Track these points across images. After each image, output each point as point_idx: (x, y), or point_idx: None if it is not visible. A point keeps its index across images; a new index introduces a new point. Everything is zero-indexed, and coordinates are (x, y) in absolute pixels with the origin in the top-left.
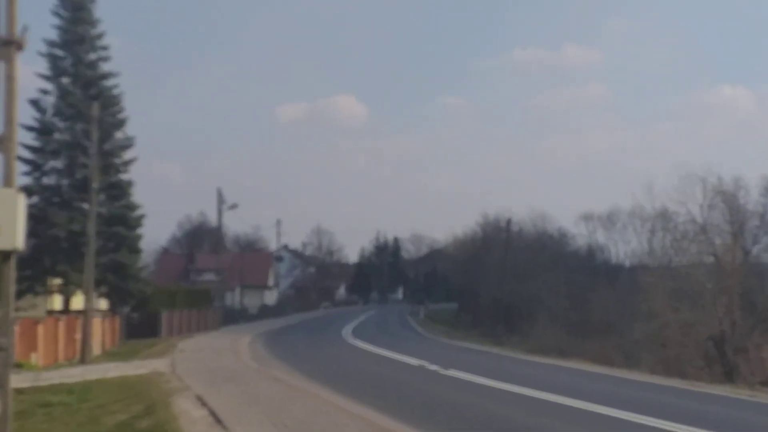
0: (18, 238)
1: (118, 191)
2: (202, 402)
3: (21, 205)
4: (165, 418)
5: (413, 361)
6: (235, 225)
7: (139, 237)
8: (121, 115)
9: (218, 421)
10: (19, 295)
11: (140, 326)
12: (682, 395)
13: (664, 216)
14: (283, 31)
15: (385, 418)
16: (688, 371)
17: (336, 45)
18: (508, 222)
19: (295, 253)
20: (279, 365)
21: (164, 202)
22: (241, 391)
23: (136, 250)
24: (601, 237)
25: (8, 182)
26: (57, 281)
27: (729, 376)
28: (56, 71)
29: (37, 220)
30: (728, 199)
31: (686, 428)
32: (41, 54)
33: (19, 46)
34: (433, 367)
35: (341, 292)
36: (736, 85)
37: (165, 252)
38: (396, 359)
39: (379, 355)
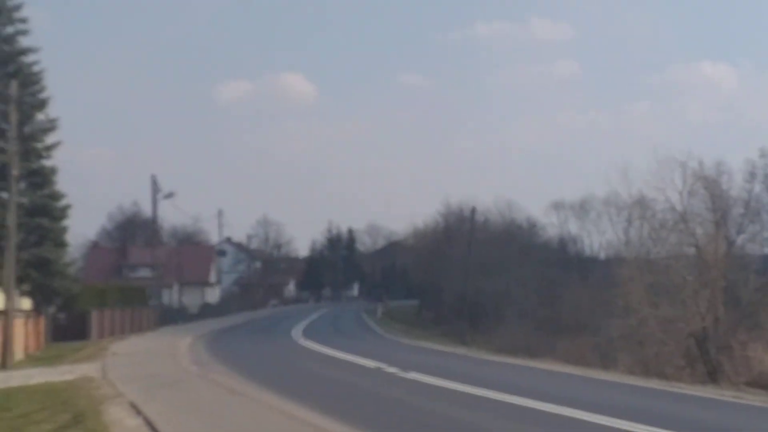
0: None
1: (41, 179)
2: (136, 410)
3: None
4: (95, 428)
5: (370, 363)
6: (172, 216)
7: (64, 229)
8: (42, 95)
9: (154, 430)
10: None
11: (68, 328)
12: (661, 397)
13: (641, 204)
14: (222, 1)
15: (338, 425)
16: (668, 371)
17: (282, 18)
18: (473, 211)
19: (239, 247)
20: (222, 369)
21: (93, 191)
22: (180, 398)
23: (61, 244)
24: (573, 227)
25: None
26: None
27: (712, 376)
28: None
29: None
30: (710, 185)
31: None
32: None
33: None
34: (392, 370)
35: (291, 288)
36: (717, 61)
37: (94, 246)
38: (351, 361)
39: (332, 357)
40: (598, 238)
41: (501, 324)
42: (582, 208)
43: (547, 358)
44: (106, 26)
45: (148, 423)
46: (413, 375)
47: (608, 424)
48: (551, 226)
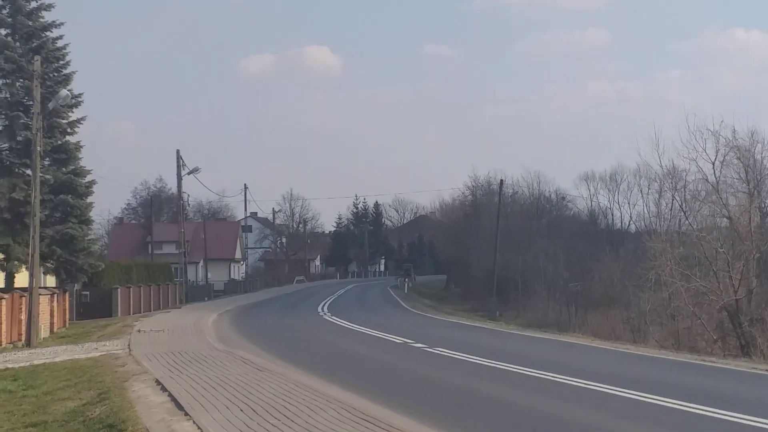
0: None
1: (65, 155)
2: (161, 387)
3: None
4: (120, 404)
5: (396, 339)
6: (198, 191)
7: (89, 206)
8: (66, 71)
9: (179, 407)
10: None
11: (92, 305)
12: (693, 371)
13: (672, 175)
14: None
15: (364, 401)
16: (700, 345)
17: None
18: (501, 184)
19: (265, 222)
20: (247, 346)
21: (118, 167)
22: (206, 375)
23: (86, 221)
24: (603, 199)
25: None
26: None
27: (744, 349)
28: None
29: None
30: (743, 155)
31: (699, 408)
32: None
33: None
34: (419, 345)
35: (317, 264)
36: (750, 28)
37: (119, 222)
38: (377, 336)
39: (358, 332)
40: (629, 211)
41: (530, 298)
42: (612, 180)
43: (577, 333)
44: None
45: (174, 399)
46: (440, 350)
47: (638, 398)
48: (581, 198)
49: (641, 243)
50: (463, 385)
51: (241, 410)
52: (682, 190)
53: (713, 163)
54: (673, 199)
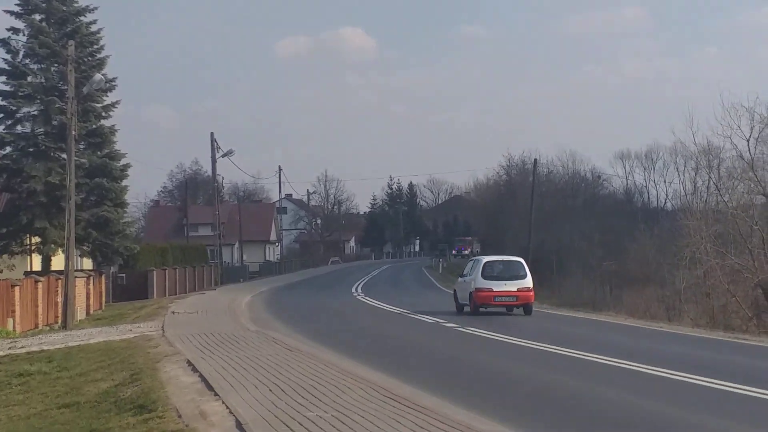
0: None
1: (100, 139)
2: (192, 368)
3: None
4: (151, 385)
5: (428, 319)
6: (233, 174)
7: (124, 189)
8: (100, 55)
9: (209, 387)
10: None
11: (128, 287)
12: (729, 349)
13: (708, 152)
14: None
15: (393, 380)
16: (735, 323)
17: None
18: (535, 163)
19: (300, 204)
20: (280, 327)
21: (153, 150)
22: (237, 356)
23: (121, 204)
24: (639, 177)
25: None
26: (35, 239)
27: None
28: (26, 7)
29: (11, 172)
30: None
31: (736, 386)
32: None
33: None
34: (450, 325)
35: (351, 245)
36: None
37: (155, 205)
38: (409, 317)
39: (391, 312)
40: (665, 189)
41: (565, 277)
42: (648, 158)
43: (612, 311)
44: None
45: (203, 380)
46: (472, 329)
47: (677, 378)
48: (616, 177)
49: (676, 221)
50: (491, 365)
51: (270, 390)
52: (717, 167)
53: (748, 140)
54: (708, 177)
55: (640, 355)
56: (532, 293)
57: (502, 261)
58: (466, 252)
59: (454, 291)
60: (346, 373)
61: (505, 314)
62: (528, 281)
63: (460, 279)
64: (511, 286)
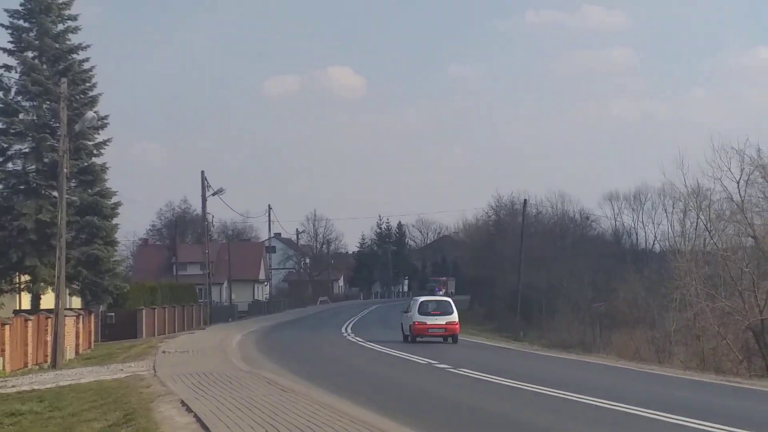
0: None
1: (91, 177)
2: (187, 408)
3: None
4: (146, 426)
5: (420, 360)
6: (222, 212)
7: (114, 227)
8: (92, 92)
9: (205, 428)
10: None
11: (118, 326)
12: (719, 392)
13: (697, 194)
14: None
15: (388, 421)
16: (725, 365)
17: (327, 12)
18: (524, 204)
19: (289, 243)
20: (272, 367)
21: (143, 188)
22: (231, 396)
23: (111, 242)
24: (628, 219)
25: None
26: (25, 277)
27: None
28: (19, 44)
29: (1, 210)
30: None
31: (727, 429)
32: (2, 26)
33: None
34: (443, 366)
35: (340, 285)
36: None
37: (144, 244)
38: (401, 357)
39: (381, 352)
40: (653, 230)
41: (555, 318)
42: (636, 200)
43: (602, 353)
44: (156, 21)
45: (199, 420)
46: (465, 371)
47: (668, 420)
48: (605, 218)
49: (666, 263)
50: (485, 406)
51: (266, 431)
52: (707, 209)
53: (738, 182)
54: (697, 219)
55: (630, 397)
56: (457, 326)
57: (435, 300)
58: (441, 292)
59: (401, 324)
60: (341, 414)
61: (495, 357)
62: (454, 316)
63: (404, 314)
64: (441, 320)
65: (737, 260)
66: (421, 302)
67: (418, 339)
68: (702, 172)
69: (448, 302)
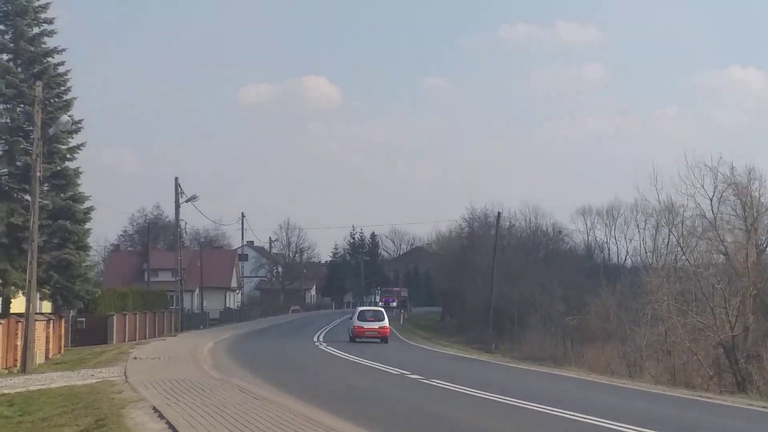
0: None
1: (64, 181)
2: (159, 414)
3: None
4: (118, 431)
5: (393, 370)
6: (195, 219)
7: (87, 232)
8: (67, 96)
9: None
10: None
11: (88, 331)
12: (690, 407)
13: (670, 210)
14: (245, 4)
15: (362, 431)
16: (696, 381)
17: (305, 21)
18: (498, 216)
19: (261, 251)
20: (244, 374)
21: (115, 193)
22: (203, 402)
23: (83, 247)
24: (600, 233)
25: None
26: None
27: (741, 385)
28: None
29: None
30: (741, 192)
31: None
32: None
33: None
34: (415, 376)
35: (312, 294)
36: (747, 66)
37: (116, 249)
38: (373, 367)
39: (354, 362)
40: (626, 245)
41: (526, 331)
42: (609, 215)
43: (574, 366)
44: (129, 26)
45: (171, 427)
46: (437, 382)
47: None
48: (578, 232)
49: (638, 278)
50: (459, 418)
51: None
52: (680, 225)
53: (711, 200)
54: (669, 235)
55: (610, 411)
56: (388, 330)
57: (371, 309)
58: (394, 304)
59: (348, 328)
60: (314, 423)
61: (467, 369)
62: (386, 323)
63: (349, 320)
64: (375, 325)
65: (709, 276)
66: (360, 311)
67: (357, 339)
68: (675, 189)
69: (381, 311)
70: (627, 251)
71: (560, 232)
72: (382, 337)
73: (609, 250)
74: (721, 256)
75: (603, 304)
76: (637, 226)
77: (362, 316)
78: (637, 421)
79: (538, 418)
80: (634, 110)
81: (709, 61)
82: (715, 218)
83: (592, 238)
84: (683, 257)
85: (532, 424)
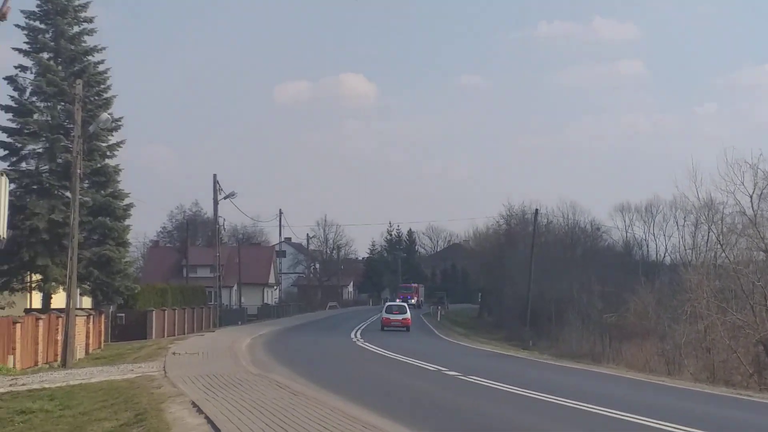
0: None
1: (104, 178)
2: (198, 409)
3: (4, 188)
4: (157, 426)
5: (430, 366)
6: (233, 216)
7: (126, 229)
8: (107, 94)
9: (216, 429)
10: None
11: (128, 327)
12: (730, 405)
13: (709, 207)
14: (284, 2)
15: (400, 427)
16: (736, 378)
17: (342, 19)
18: (536, 213)
19: (299, 248)
20: (282, 370)
21: (154, 190)
22: (241, 398)
23: (123, 243)
24: (639, 230)
25: None
26: (36, 276)
27: None
28: (35, 45)
29: (14, 209)
30: None
31: None
32: (19, 27)
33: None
34: (452, 373)
35: (349, 290)
36: None
37: (155, 246)
38: (410, 363)
39: (391, 359)
40: (664, 242)
41: (564, 329)
42: (648, 211)
43: (612, 364)
44: (170, 26)
45: (210, 422)
46: (474, 378)
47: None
48: (616, 229)
49: (677, 275)
50: (497, 415)
51: None
52: (719, 222)
53: (751, 197)
54: (709, 232)
55: (644, 408)
56: (409, 320)
57: (396, 304)
58: (413, 301)
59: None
60: (351, 419)
61: (505, 365)
62: (408, 315)
63: (380, 313)
64: (399, 317)
65: (749, 274)
66: (388, 306)
67: (386, 328)
68: (715, 186)
69: (405, 306)
70: (666, 248)
71: (598, 228)
72: (405, 326)
73: (648, 247)
74: (761, 253)
75: (642, 301)
76: (676, 223)
77: (389, 310)
78: (683, 420)
79: (579, 416)
80: (672, 107)
81: (749, 57)
82: (755, 215)
83: (631, 235)
84: (723, 254)
85: (573, 422)
